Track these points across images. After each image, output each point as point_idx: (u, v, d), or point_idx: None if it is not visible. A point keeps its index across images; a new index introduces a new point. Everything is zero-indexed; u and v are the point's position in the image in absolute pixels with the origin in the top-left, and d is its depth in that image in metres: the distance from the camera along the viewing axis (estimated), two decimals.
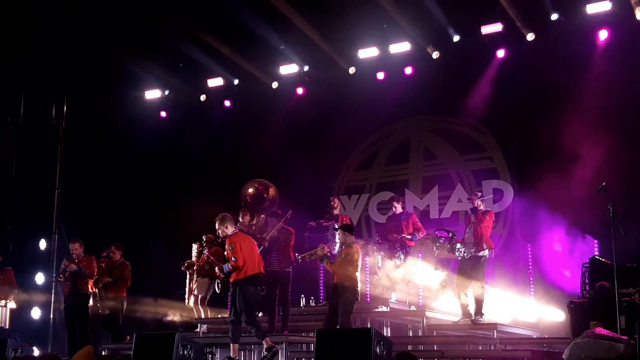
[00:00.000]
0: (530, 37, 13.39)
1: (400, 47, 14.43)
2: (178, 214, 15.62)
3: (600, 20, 12.84)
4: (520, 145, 13.70)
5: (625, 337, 7.60)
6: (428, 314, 10.70)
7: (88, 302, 11.66)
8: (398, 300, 11.25)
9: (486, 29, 13.63)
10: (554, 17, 13.08)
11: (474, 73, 14.10)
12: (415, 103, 14.78)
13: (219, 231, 9.47)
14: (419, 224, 11.86)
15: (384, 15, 13.47)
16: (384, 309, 10.94)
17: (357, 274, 9.57)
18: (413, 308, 11.10)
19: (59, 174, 16.37)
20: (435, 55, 14.26)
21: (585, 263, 9.92)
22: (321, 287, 12.48)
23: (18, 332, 13.55)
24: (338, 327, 9.23)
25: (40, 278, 15.66)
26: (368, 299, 11.15)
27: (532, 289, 12.03)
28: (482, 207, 10.75)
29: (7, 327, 13.30)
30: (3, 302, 13.28)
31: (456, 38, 13.99)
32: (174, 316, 13.60)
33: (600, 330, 7.71)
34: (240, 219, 11.78)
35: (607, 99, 12.50)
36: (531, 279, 12.13)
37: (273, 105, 15.99)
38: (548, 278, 12.29)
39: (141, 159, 16.49)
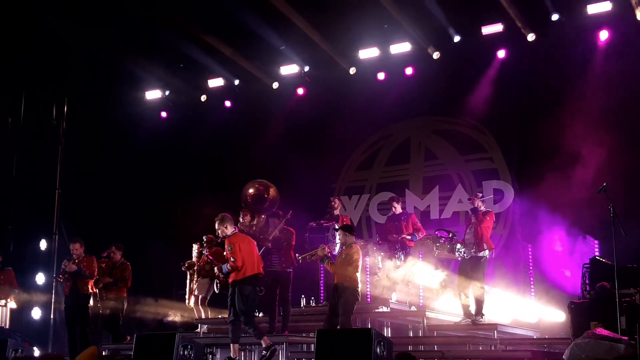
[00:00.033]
0: (530, 37, 13.38)
1: (401, 48, 14.43)
2: (178, 214, 15.64)
3: (601, 21, 12.84)
4: (521, 145, 13.70)
5: (625, 338, 7.60)
6: (428, 314, 10.70)
7: (88, 303, 11.65)
8: (398, 300, 11.26)
9: (487, 30, 13.63)
10: (555, 17, 13.07)
11: (475, 73, 14.10)
12: (416, 103, 14.78)
13: (219, 231, 9.48)
14: (419, 224, 11.85)
15: (384, 15, 13.47)
16: (385, 309, 10.94)
17: (358, 274, 9.57)
18: (413, 308, 11.10)
19: (59, 174, 16.36)
20: (435, 55, 14.26)
21: (586, 263, 9.92)
22: (321, 288, 12.49)
23: (18, 332, 13.56)
24: (338, 327, 9.23)
25: (40, 278, 15.65)
26: (368, 300, 11.16)
27: (532, 290, 12.03)
28: (482, 208, 10.75)
29: (7, 327, 13.29)
30: (3, 301, 13.27)
31: (457, 38, 13.99)
32: (174, 316, 13.60)
33: (601, 331, 7.70)
34: (241, 220, 11.79)
35: (608, 100, 12.50)
36: (532, 279, 12.14)
37: (273, 106, 16.00)
38: (548, 278, 12.29)
39: (141, 159, 16.49)
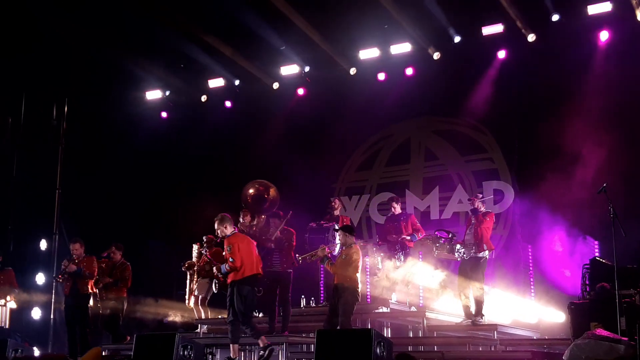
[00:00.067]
0: (531, 37, 13.37)
1: (401, 48, 14.42)
2: (178, 214, 15.65)
3: (601, 21, 12.83)
4: (521, 146, 13.69)
5: (625, 339, 7.59)
6: (428, 314, 10.70)
7: (88, 303, 11.66)
8: (398, 301, 11.26)
9: (487, 30, 13.62)
10: (555, 17, 13.06)
11: (475, 74, 14.09)
12: (416, 104, 14.77)
13: (218, 231, 9.50)
14: (418, 224, 11.85)
15: (384, 15, 13.46)
16: (385, 309, 10.94)
17: (358, 275, 9.57)
18: (413, 309, 11.09)
19: (59, 174, 16.34)
20: (436, 56, 14.25)
21: (586, 264, 9.91)
22: (321, 288, 12.49)
23: (18, 332, 13.55)
24: (338, 327, 9.23)
25: (40, 278, 15.64)
26: (368, 300, 11.16)
27: (532, 290, 12.02)
28: (482, 209, 10.75)
29: (7, 327, 13.29)
30: (3, 301, 13.27)
31: (457, 39, 13.98)
32: (174, 317, 13.60)
33: (601, 332, 7.70)
34: (241, 220, 11.79)
35: (608, 100, 12.49)
36: (532, 280, 12.13)
37: (274, 106, 15.99)
38: (548, 279, 12.28)
39: (141, 159, 16.49)
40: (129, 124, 16.74)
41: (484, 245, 10.49)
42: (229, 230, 9.42)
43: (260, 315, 11.74)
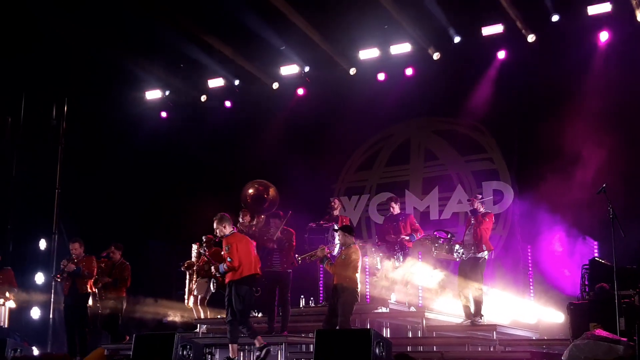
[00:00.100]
0: (531, 38, 13.37)
1: (401, 48, 14.41)
2: (178, 214, 15.63)
3: (601, 22, 12.82)
4: (521, 146, 13.69)
5: (624, 339, 7.60)
6: (428, 315, 10.69)
7: (87, 302, 11.67)
8: (397, 301, 11.25)
9: (487, 30, 13.62)
10: (555, 18, 13.06)
11: (475, 74, 14.09)
12: (416, 104, 14.77)
13: (217, 230, 9.52)
14: (417, 224, 11.84)
15: (384, 16, 13.46)
16: (384, 310, 10.94)
17: (357, 275, 9.57)
18: (413, 309, 11.09)
19: (59, 174, 16.34)
20: (436, 56, 14.25)
21: (585, 264, 9.90)
22: (321, 288, 12.48)
23: (17, 331, 13.54)
24: (337, 327, 9.23)
25: (40, 278, 15.64)
26: (368, 300, 11.15)
27: (531, 290, 12.00)
28: (481, 209, 10.75)
29: (6, 326, 13.29)
30: (2, 300, 13.27)
31: (457, 39, 13.98)
32: (174, 317, 13.59)
33: (600, 332, 7.70)
34: (241, 220, 11.79)
35: (608, 101, 12.49)
36: (531, 280, 12.10)
37: (273, 106, 16.00)
38: (548, 279, 12.27)
39: (141, 159, 16.49)
40: (128, 124, 16.74)
41: (483, 245, 10.50)
42: (228, 229, 9.43)
43: (260, 315, 11.75)
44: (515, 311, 11.77)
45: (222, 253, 9.44)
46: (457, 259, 10.84)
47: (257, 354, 9.14)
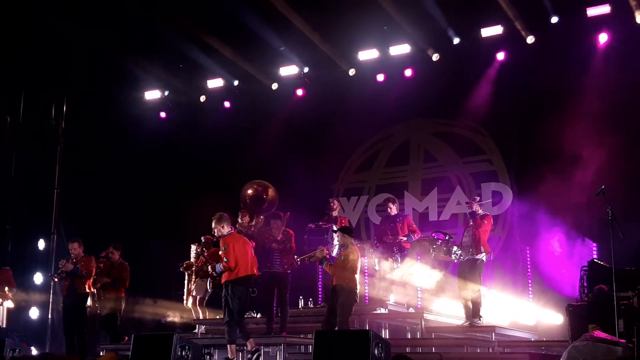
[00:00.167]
0: (530, 39, 13.38)
1: (400, 49, 14.42)
2: (178, 214, 15.62)
3: (601, 24, 12.84)
4: (520, 147, 13.70)
5: (623, 341, 7.60)
6: (426, 316, 10.69)
7: (86, 303, 11.65)
8: (396, 302, 11.25)
9: (486, 32, 13.63)
10: (554, 20, 13.07)
11: (474, 75, 14.10)
12: (415, 105, 14.78)
13: (215, 230, 9.53)
14: (414, 225, 11.86)
15: (384, 17, 13.47)
16: (383, 311, 10.93)
17: (356, 276, 9.57)
18: (411, 310, 11.09)
19: (58, 173, 16.32)
20: (435, 57, 14.26)
21: (584, 266, 9.90)
22: (319, 289, 12.48)
23: (16, 332, 13.53)
24: (336, 328, 9.23)
25: (38, 278, 15.62)
26: (366, 301, 11.15)
27: (530, 292, 12.01)
28: (480, 212, 10.76)
29: (4, 326, 13.28)
30: (0, 300, 13.27)
31: (456, 40, 13.98)
32: (173, 317, 13.59)
33: (599, 334, 7.70)
34: (240, 220, 11.78)
35: (607, 102, 12.49)
36: (530, 281, 12.11)
37: (273, 107, 16.00)
38: (547, 281, 12.27)
39: (141, 159, 16.49)
40: (128, 124, 16.74)
41: (481, 247, 10.51)
42: (226, 230, 9.45)
43: (258, 316, 11.75)
44: (514, 312, 11.77)
45: (220, 253, 9.45)
46: (455, 261, 10.85)
47: (248, 357, 9.16)
